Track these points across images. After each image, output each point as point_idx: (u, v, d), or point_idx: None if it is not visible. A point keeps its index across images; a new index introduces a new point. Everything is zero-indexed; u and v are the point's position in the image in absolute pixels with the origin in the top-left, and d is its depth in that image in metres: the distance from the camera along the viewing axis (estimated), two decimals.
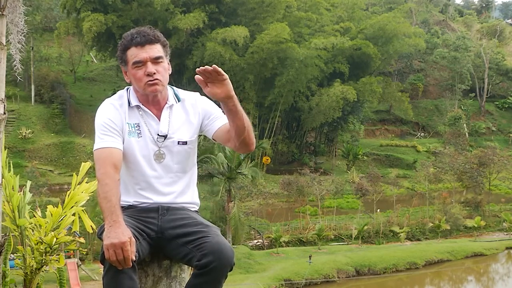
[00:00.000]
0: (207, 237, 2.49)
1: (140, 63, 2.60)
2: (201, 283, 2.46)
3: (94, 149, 2.60)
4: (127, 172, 2.69)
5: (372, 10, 61.84)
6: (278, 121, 44.29)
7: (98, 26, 38.71)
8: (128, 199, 2.69)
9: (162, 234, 2.61)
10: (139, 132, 2.66)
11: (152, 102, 2.68)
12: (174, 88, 2.78)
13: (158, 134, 2.66)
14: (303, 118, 44.34)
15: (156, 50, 2.63)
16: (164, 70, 2.65)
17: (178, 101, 2.73)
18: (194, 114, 2.73)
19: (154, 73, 2.59)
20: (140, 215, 2.63)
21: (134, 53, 2.61)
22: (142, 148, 2.65)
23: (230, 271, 2.49)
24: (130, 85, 2.74)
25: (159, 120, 2.67)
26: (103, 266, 2.45)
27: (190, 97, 2.77)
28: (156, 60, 2.62)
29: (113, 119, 2.63)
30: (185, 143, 2.69)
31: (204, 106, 2.74)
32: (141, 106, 2.68)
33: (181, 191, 2.73)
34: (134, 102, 2.68)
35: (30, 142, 39.59)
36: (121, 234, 2.34)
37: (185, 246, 2.53)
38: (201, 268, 2.44)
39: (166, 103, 2.70)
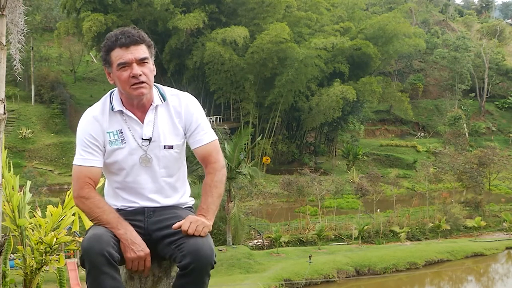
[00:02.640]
0: (185, 237, 2.45)
1: (125, 65, 2.52)
2: (185, 283, 2.44)
3: (74, 163, 2.60)
4: (113, 178, 2.67)
5: (372, 10, 61.89)
6: (278, 121, 44.30)
7: (98, 26, 38.74)
8: (116, 203, 2.68)
9: (150, 236, 2.59)
10: (122, 138, 2.60)
11: (137, 105, 2.62)
12: (159, 86, 2.70)
13: (142, 138, 2.60)
14: (303, 118, 44.35)
15: (142, 51, 2.54)
16: (150, 71, 2.57)
17: (164, 100, 2.66)
18: (177, 118, 2.66)
19: (140, 75, 2.52)
20: (127, 218, 2.59)
21: (119, 55, 2.52)
22: (126, 155, 2.60)
23: (212, 269, 2.46)
24: (115, 87, 2.67)
25: (143, 124, 2.61)
26: (85, 269, 2.44)
27: (173, 99, 2.69)
28: (141, 62, 2.53)
29: (94, 133, 2.58)
30: (171, 147, 2.63)
31: (186, 116, 2.66)
32: (124, 111, 2.61)
33: (167, 195, 2.69)
34: (118, 106, 2.61)
35: (30, 142, 39.62)
36: (144, 246, 2.50)
37: (169, 247, 2.51)
38: (182, 269, 2.42)
39: (151, 104, 2.63)
